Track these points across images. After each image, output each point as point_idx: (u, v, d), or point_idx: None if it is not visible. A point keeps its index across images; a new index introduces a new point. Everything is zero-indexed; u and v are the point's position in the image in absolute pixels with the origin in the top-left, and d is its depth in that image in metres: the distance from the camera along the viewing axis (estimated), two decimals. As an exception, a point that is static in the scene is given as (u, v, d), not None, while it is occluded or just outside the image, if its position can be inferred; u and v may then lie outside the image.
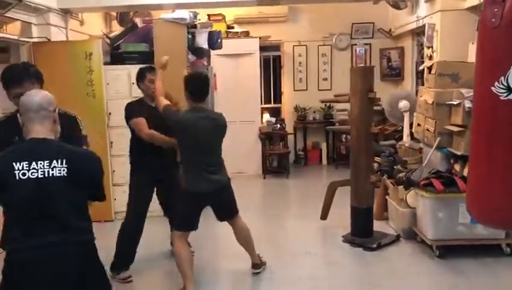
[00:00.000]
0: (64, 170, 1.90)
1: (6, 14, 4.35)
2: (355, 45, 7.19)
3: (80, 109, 5.02)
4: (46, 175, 1.88)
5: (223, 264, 4.24)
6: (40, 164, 1.88)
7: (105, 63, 5.29)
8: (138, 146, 3.81)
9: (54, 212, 1.90)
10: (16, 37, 4.73)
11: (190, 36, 5.52)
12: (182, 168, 3.53)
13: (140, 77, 3.88)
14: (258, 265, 3.85)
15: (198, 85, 3.47)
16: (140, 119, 3.69)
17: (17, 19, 4.77)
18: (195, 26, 5.63)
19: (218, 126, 3.48)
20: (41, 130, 1.97)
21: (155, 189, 3.98)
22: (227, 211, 3.65)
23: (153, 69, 3.91)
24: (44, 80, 4.91)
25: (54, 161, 1.90)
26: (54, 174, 1.89)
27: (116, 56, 5.38)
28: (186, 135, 3.38)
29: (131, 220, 3.82)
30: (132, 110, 3.78)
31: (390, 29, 7.87)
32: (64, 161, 1.91)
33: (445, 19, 5.34)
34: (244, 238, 3.76)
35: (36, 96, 2.03)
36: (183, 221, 3.48)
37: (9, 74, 2.56)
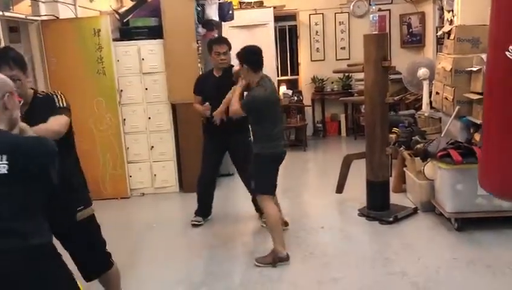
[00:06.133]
0: (4, 167, 1.68)
1: (12, -7, 4.31)
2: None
3: (91, 87, 5.07)
4: None
5: (236, 241, 4.20)
6: None
7: (115, 40, 5.22)
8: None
9: None
10: (23, 16, 4.68)
11: (200, 8, 5.39)
12: (260, 137, 3.62)
13: (208, 49, 4.28)
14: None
15: (257, 57, 3.58)
16: (195, 97, 4.34)
17: (24, -3, 4.72)
18: (205, -2, 5.49)
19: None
20: None
21: (227, 152, 4.46)
22: None
23: (220, 42, 4.25)
24: (55, 58, 4.96)
25: None
26: None
27: (125, 32, 5.30)
28: (270, 106, 3.56)
29: (203, 174, 4.45)
30: (194, 86, 4.38)
31: (410, -7, 7.55)
32: (5, 157, 1.68)
33: (466, -21, 5.05)
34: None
35: None
36: (272, 185, 3.64)
37: None
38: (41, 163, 1.76)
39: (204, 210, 4.48)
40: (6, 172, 1.67)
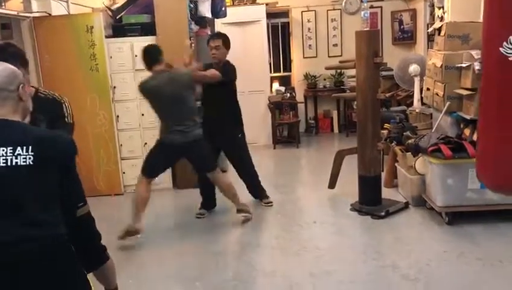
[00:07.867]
0: (30, 158, 1.69)
1: (4, -11, 4.29)
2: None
3: (85, 83, 5.07)
4: (9, 164, 1.68)
5: (230, 235, 4.24)
6: (3, 150, 1.68)
7: (108, 36, 5.22)
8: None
9: (18, 205, 1.69)
10: (15, 13, 4.67)
11: (192, 5, 5.41)
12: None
13: (207, 44, 4.50)
14: (242, 210, 4.30)
15: (145, 56, 4.00)
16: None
17: (16, -6, 4.70)
18: (197, -5, 5.51)
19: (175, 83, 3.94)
20: (2, 112, 1.75)
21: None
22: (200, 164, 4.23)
23: (213, 36, 4.52)
24: (48, 56, 4.96)
25: (19, 148, 1.69)
26: (18, 163, 1.68)
27: (117, 29, 5.30)
28: (151, 98, 4.03)
29: None
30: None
31: (401, -10, 7.60)
32: (30, 148, 1.70)
33: (457, -24, 5.11)
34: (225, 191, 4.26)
35: None
36: (148, 165, 4.09)
37: None
38: (63, 157, 1.78)
39: (207, 202, 4.60)
40: (32, 163, 1.68)
